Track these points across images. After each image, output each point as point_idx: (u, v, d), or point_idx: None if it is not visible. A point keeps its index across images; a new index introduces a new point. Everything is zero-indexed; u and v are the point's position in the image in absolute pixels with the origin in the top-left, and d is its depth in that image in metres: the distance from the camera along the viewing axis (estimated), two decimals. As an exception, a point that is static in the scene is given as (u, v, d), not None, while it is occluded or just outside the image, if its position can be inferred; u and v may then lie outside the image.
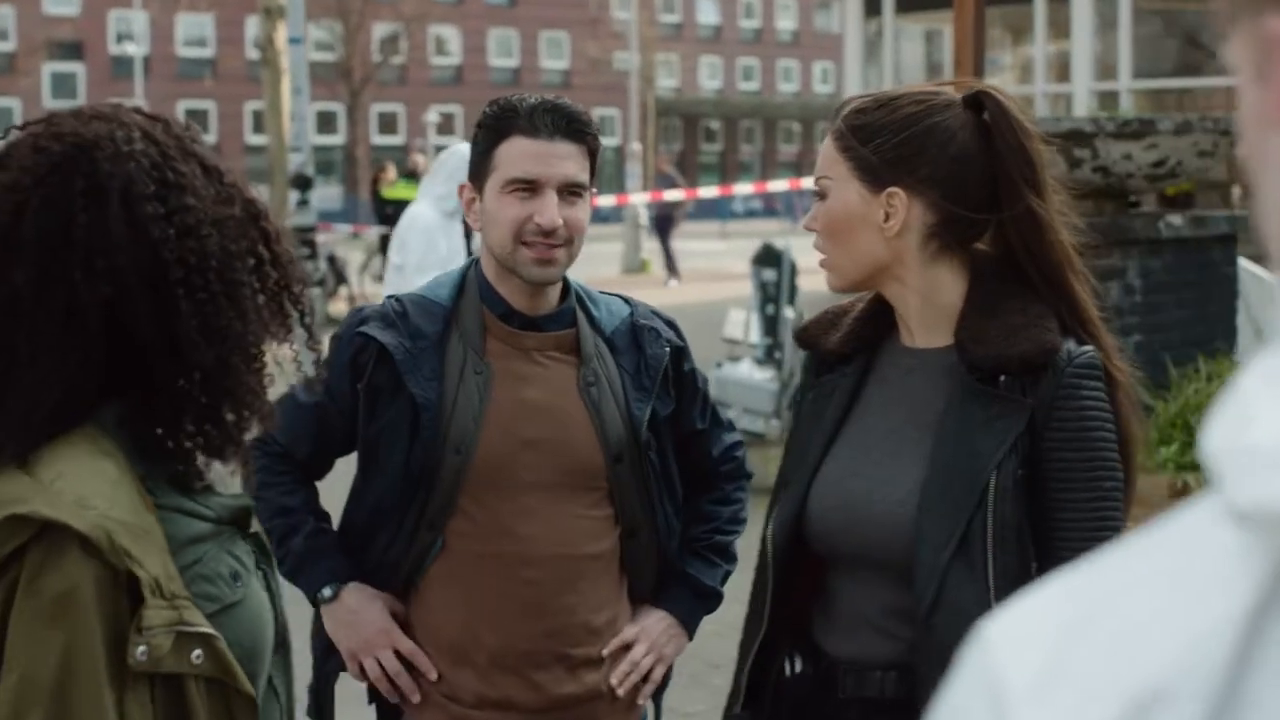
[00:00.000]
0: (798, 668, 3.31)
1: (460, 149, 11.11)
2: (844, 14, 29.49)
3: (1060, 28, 24.94)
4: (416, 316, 3.69)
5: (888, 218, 3.14)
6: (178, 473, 2.41)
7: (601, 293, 3.92)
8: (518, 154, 3.64)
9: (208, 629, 2.31)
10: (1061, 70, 25.12)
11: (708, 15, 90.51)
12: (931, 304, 3.19)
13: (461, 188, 3.78)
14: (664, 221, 33.88)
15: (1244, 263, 10.35)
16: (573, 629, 3.72)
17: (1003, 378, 3.08)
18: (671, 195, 32.41)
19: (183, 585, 2.30)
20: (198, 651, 2.29)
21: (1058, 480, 3.07)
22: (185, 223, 2.32)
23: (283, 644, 2.58)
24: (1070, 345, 3.09)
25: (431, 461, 3.61)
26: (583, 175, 3.70)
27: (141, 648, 2.22)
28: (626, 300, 3.94)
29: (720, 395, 13.39)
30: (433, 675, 3.70)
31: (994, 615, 0.96)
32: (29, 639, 2.18)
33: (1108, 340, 3.18)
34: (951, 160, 3.13)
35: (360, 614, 3.71)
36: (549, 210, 3.61)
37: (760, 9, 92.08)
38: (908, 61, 28.45)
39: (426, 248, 10.12)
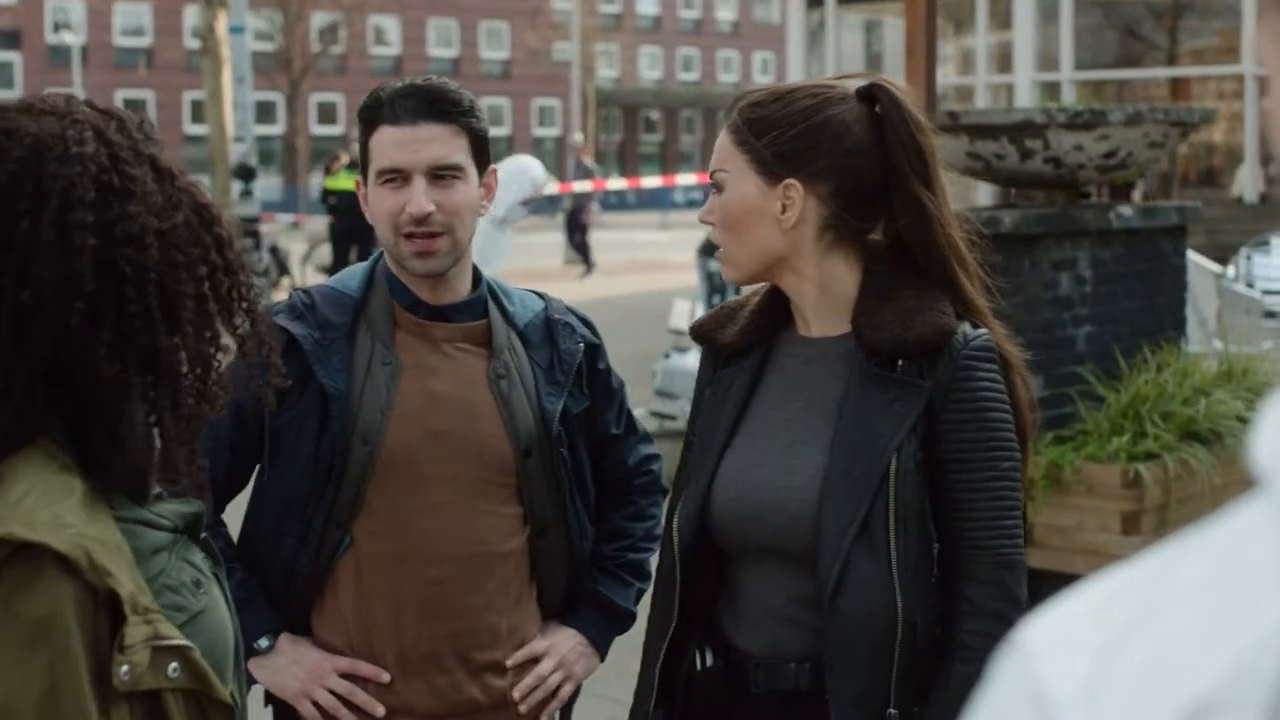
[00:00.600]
0: (708, 662, 3.30)
1: (518, 160, 11.16)
2: (785, 5, 29.54)
3: (1002, 19, 25.04)
4: (325, 308, 3.62)
5: (784, 210, 3.18)
6: (128, 483, 2.33)
7: (516, 288, 3.87)
8: (385, 143, 3.57)
9: (182, 641, 2.25)
10: (1003, 61, 25.23)
11: (647, 6, 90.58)
12: (828, 294, 3.23)
13: (358, 182, 3.70)
14: (578, 214, 33.25)
15: (1191, 254, 10.40)
16: (478, 631, 3.64)
17: (900, 362, 3.13)
18: (580, 186, 31.95)
19: (152, 598, 2.24)
20: (174, 664, 2.23)
21: (956, 461, 3.13)
22: (126, 231, 2.23)
23: (238, 652, 2.52)
24: (966, 328, 3.17)
25: (340, 453, 3.54)
26: (454, 156, 3.58)
27: (125, 667, 2.16)
28: (541, 295, 3.88)
29: (668, 386, 13.41)
30: (384, 678, 3.61)
31: (1032, 620, 0.94)
32: (10, 664, 2.11)
33: (998, 329, 3.25)
34: (846, 153, 3.18)
35: (298, 656, 3.61)
36: (417, 198, 3.54)
37: (700, 0, 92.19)
38: (849, 52, 28.53)
39: (479, 259, 10.09)
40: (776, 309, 3.33)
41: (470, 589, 3.61)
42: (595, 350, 3.86)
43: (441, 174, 3.56)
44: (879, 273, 3.21)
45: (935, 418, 3.12)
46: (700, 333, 3.43)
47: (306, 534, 3.55)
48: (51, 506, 2.17)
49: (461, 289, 3.69)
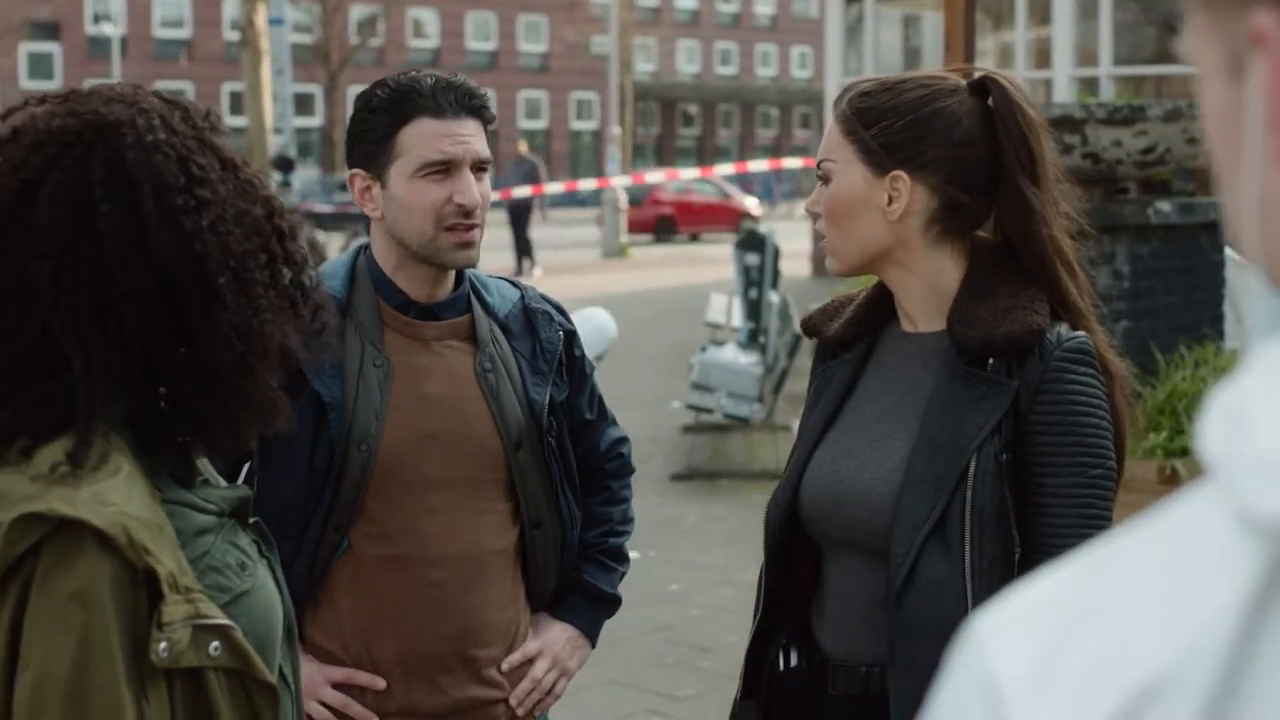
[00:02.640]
0: (793, 661, 3.30)
1: (581, 315, 11.13)
2: (824, -1, 29.48)
3: (1040, 14, 24.95)
4: None
5: (891, 201, 3.13)
6: (178, 467, 2.37)
7: (491, 277, 3.84)
8: (428, 135, 3.51)
9: (224, 620, 2.27)
10: (1042, 56, 25.14)
11: (685, 0, 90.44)
12: (932, 289, 3.18)
13: (354, 177, 3.61)
14: (520, 210, 31.48)
15: (1229, 251, 10.37)
16: (477, 630, 3.63)
17: (991, 360, 3.07)
18: (519, 191, 30.42)
19: (194, 578, 2.26)
20: (215, 643, 2.25)
21: (1041, 464, 3.03)
22: (209, 219, 2.28)
23: (290, 633, 2.55)
24: (1061, 329, 3.07)
25: (337, 460, 3.49)
26: (487, 152, 3.59)
27: (163, 644, 2.18)
28: (515, 284, 3.84)
29: (704, 379, 13.40)
30: (380, 685, 3.58)
31: (984, 610, 0.95)
32: (44, 638, 2.14)
33: (1099, 334, 3.15)
34: (956, 145, 3.12)
35: None
36: (470, 189, 3.51)
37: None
38: (887, 47, 28.47)
39: None
40: (882, 304, 3.30)
41: (469, 588, 3.60)
42: (571, 337, 3.82)
43: (481, 168, 3.55)
44: (980, 270, 3.15)
45: (1023, 418, 3.03)
46: (809, 327, 3.42)
47: (302, 541, 3.50)
48: (95, 484, 2.19)
49: (450, 285, 3.66)
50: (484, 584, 3.63)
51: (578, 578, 3.84)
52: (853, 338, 3.32)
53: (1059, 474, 3.03)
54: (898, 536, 3.03)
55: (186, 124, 2.36)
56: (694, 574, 9.65)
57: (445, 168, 3.51)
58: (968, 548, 3.00)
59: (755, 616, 3.34)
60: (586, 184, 39.42)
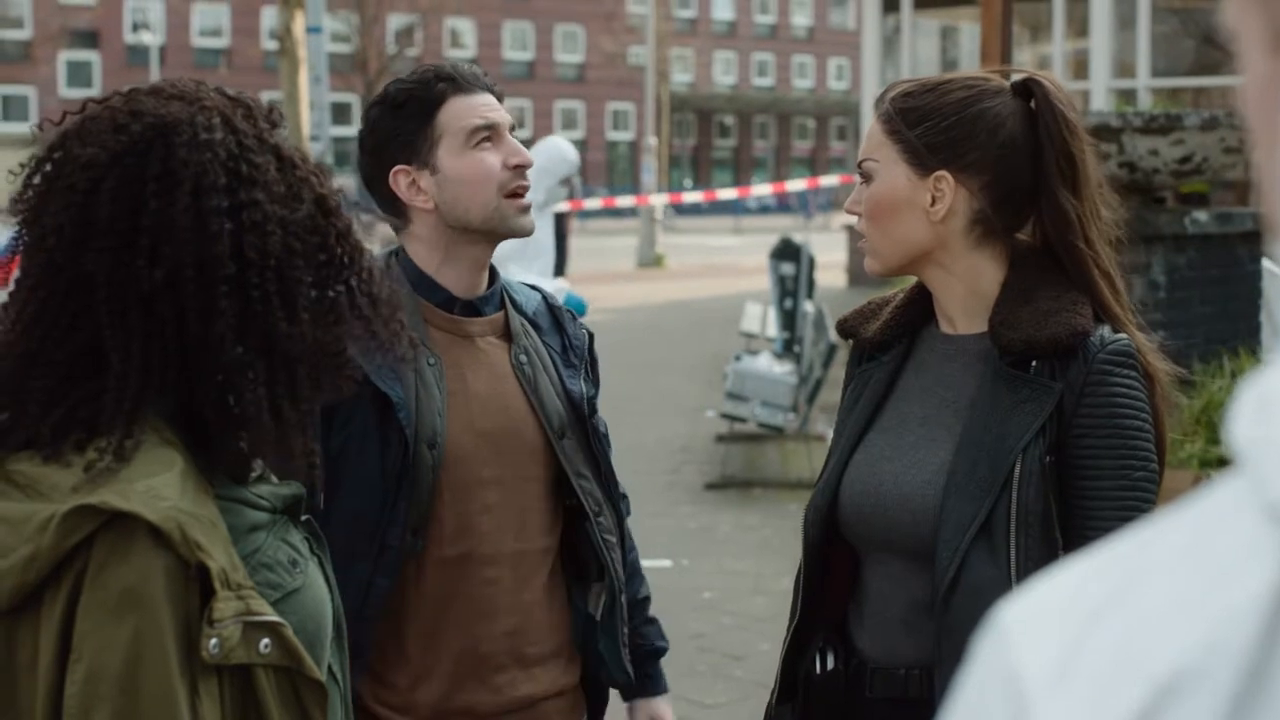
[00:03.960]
0: (829, 664, 3.28)
1: (551, 142, 11.09)
2: (860, 10, 29.47)
3: (1078, 26, 24.92)
4: None
5: (934, 202, 3.12)
6: (232, 463, 2.37)
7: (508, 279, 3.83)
8: (466, 109, 3.54)
9: (274, 617, 2.27)
10: (1079, 68, 25.10)
11: (723, 11, 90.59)
12: (973, 291, 3.17)
13: (398, 173, 3.57)
14: (560, 221, 32.16)
15: (1266, 261, 10.34)
16: (530, 628, 3.61)
17: (1034, 362, 3.05)
18: (559, 207, 30.61)
19: (246, 575, 2.26)
20: (265, 640, 2.25)
21: (1084, 467, 3.02)
22: (251, 219, 2.28)
23: (339, 630, 2.55)
24: (1104, 332, 3.06)
25: (409, 462, 3.45)
26: (511, 119, 3.65)
27: (214, 640, 2.18)
28: (534, 286, 3.86)
29: (738, 388, 13.41)
30: None
31: (1008, 601, 0.94)
32: (96, 632, 2.14)
33: (1141, 339, 3.12)
34: (999, 147, 3.11)
35: None
36: (519, 149, 3.56)
37: (775, 5, 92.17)
38: (924, 57, 28.44)
39: (521, 240, 10.14)
40: (920, 306, 3.29)
41: (521, 586, 3.59)
42: (593, 339, 3.84)
43: (514, 131, 3.61)
44: (1022, 272, 3.14)
45: (1066, 421, 3.02)
46: (845, 328, 3.40)
47: (382, 551, 3.46)
48: (149, 479, 2.20)
49: (487, 280, 3.66)
50: (535, 581, 3.62)
51: (644, 646, 3.84)
52: (891, 339, 3.30)
53: (1103, 476, 3.02)
54: (943, 539, 3.02)
55: (248, 122, 2.37)
56: (727, 582, 9.65)
57: (490, 132, 3.54)
58: (1013, 550, 2.99)
59: (792, 619, 3.33)
60: (624, 201, 39.49)
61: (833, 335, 10.42)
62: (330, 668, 2.48)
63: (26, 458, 2.26)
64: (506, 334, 3.64)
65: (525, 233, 3.63)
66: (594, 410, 3.71)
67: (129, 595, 2.14)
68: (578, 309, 10.40)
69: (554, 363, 3.68)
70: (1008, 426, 3.04)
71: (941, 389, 3.21)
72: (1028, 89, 3.17)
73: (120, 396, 2.25)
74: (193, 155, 2.28)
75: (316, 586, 2.45)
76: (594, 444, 3.67)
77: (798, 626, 3.31)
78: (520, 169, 3.55)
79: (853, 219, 3.31)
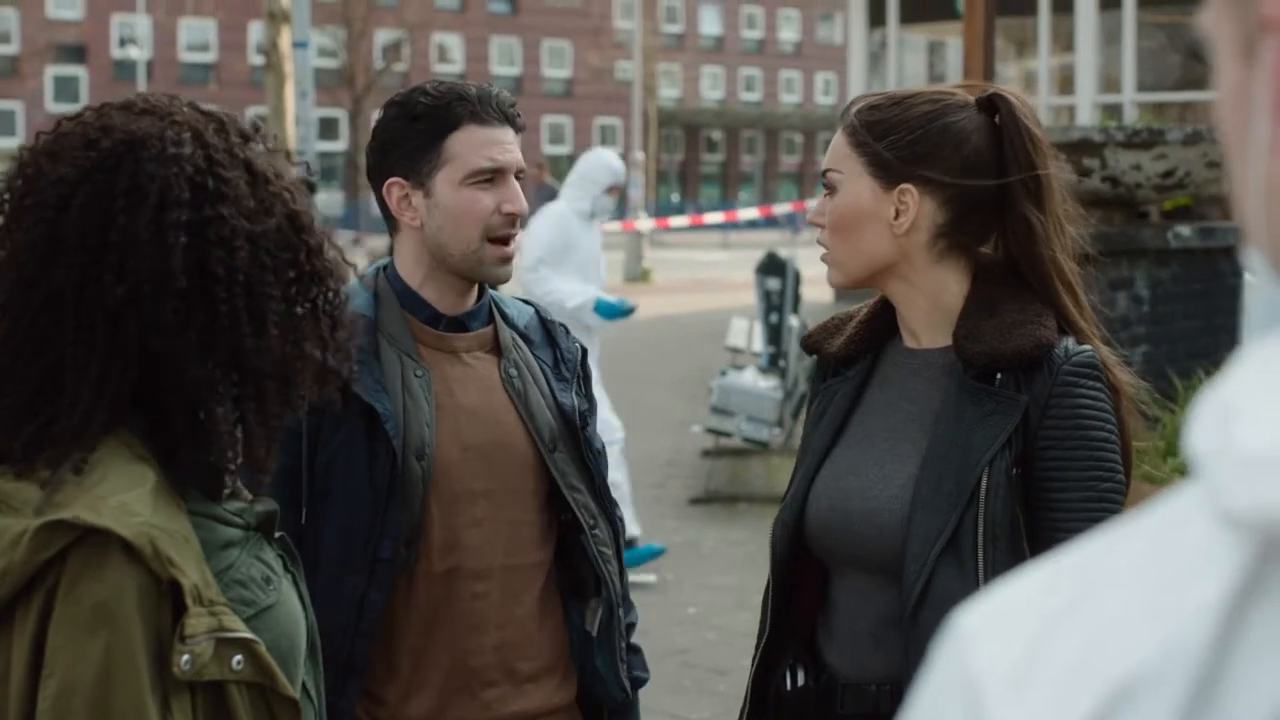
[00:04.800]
0: (800, 680, 3.27)
1: (595, 152, 11.10)
2: (847, 25, 29.51)
3: (1064, 41, 24.96)
4: None
5: (898, 215, 3.12)
6: (204, 479, 2.37)
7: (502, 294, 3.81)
8: (476, 143, 3.50)
9: (247, 634, 2.27)
10: (1065, 83, 25.15)
11: (710, 26, 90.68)
12: (936, 304, 3.17)
13: (392, 185, 3.56)
14: None
15: (1248, 275, 10.35)
16: (521, 642, 3.59)
17: (999, 375, 3.06)
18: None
19: (219, 591, 2.26)
20: (238, 657, 2.25)
21: (1051, 479, 3.03)
22: (218, 233, 2.28)
23: (313, 647, 2.54)
24: (1069, 343, 3.06)
25: (398, 474, 3.44)
26: (523, 161, 3.60)
27: (185, 657, 2.18)
28: (527, 301, 3.83)
29: (724, 403, 13.40)
30: None
31: (968, 606, 0.95)
32: (68, 647, 2.14)
33: (1106, 352, 3.13)
34: (964, 160, 3.11)
35: None
36: (517, 197, 3.52)
37: (763, 20, 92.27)
38: (911, 72, 28.47)
39: (564, 246, 10.19)
40: (884, 320, 3.29)
41: (512, 600, 3.58)
42: (585, 355, 3.81)
43: (519, 175, 3.56)
44: (985, 286, 3.14)
45: (1032, 433, 3.03)
46: (809, 344, 3.39)
47: (374, 565, 3.44)
48: (121, 494, 2.21)
49: (474, 296, 3.64)
50: (526, 596, 3.60)
51: (630, 675, 3.78)
52: (855, 354, 3.30)
53: (1070, 488, 3.03)
54: (911, 553, 3.02)
55: (220, 136, 2.37)
56: (711, 597, 9.65)
57: (493, 176, 3.50)
58: (981, 563, 3.00)
59: (761, 635, 3.31)
60: (610, 227, 39.59)
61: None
62: (305, 685, 2.46)
63: (1, 472, 2.26)
64: (496, 348, 3.63)
65: (501, 281, 3.61)
66: (586, 423, 3.68)
67: (101, 610, 2.14)
68: (616, 312, 10.38)
69: (545, 376, 3.66)
70: (973, 439, 3.04)
71: (907, 403, 3.21)
72: (993, 104, 3.17)
73: (73, 412, 2.25)
74: (159, 170, 2.27)
75: (290, 604, 2.44)
76: (587, 457, 3.65)
77: (767, 643, 3.29)
78: (512, 217, 3.52)
79: None
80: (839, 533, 3.17)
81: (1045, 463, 3.03)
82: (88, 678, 2.13)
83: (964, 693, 0.90)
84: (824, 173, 3.23)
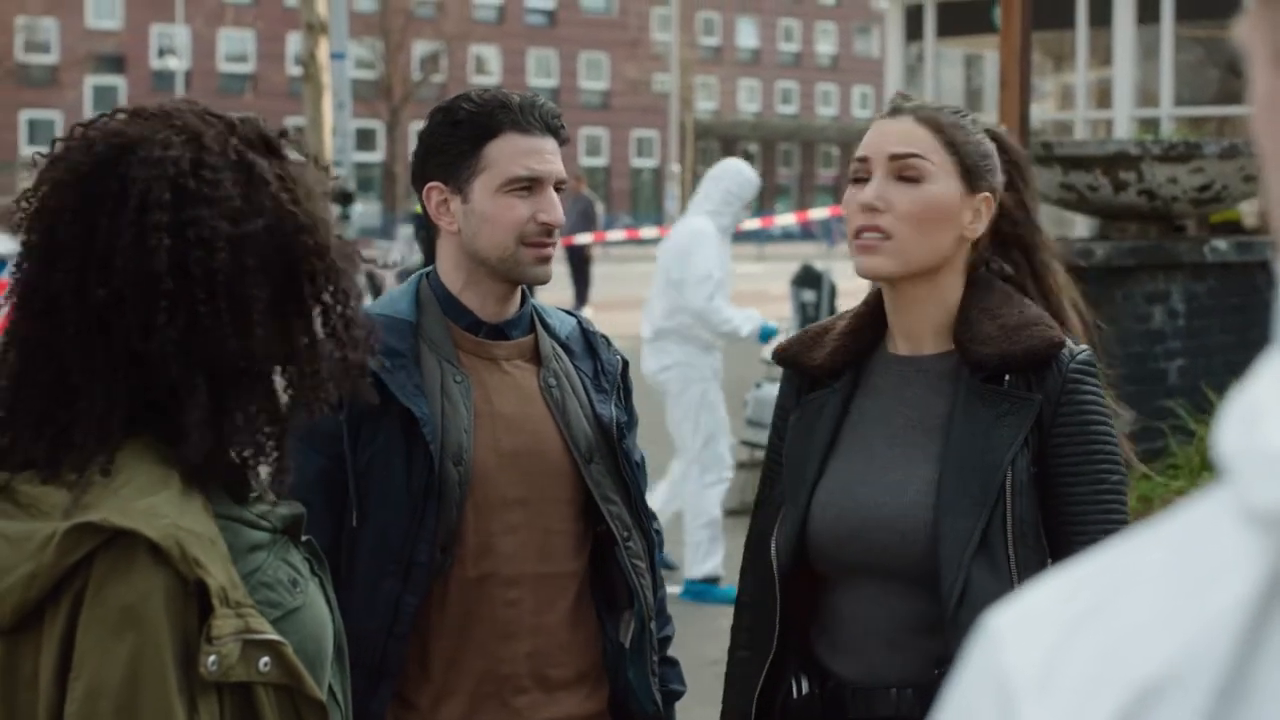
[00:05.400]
0: (803, 690, 3.27)
1: (733, 166, 10.97)
2: (884, 38, 29.46)
3: (1102, 55, 24.89)
4: (386, 336, 3.41)
5: (972, 220, 3.21)
6: (230, 482, 2.39)
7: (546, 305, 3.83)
8: (514, 152, 3.52)
9: (274, 636, 2.28)
10: (1103, 97, 25.08)
11: (747, 39, 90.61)
12: (944, 310, 3.24)
13: (431, 189, 3.59)
14: (580, 256, 30.31)
15: (1284, 286, 10.32)
16: (551, 650, 3.60)
17: (1007, 377, 3.14)
18: (581, 238, 29.24)
19: (246, 593, 2.27)
20: (265, 659, 2.26)
21: (1066, 474, 3.13)
22: (197, 235, 2.28)
23: (340, 651, 2.55)
24: (1070, 343, 3.19)
25: (435, 478, 3.46)
26: (564, 172, 3.62)
27: (212, 658, 2.19)
28: (570, 312, 3.85)
29: (759, 415, 13.38)
30: None
31: (1000, 607, 0.96)
32: (96, 649, 2.16)
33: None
34: (1000, 183, 3.27)
35: None
36: (554, 207, 3.54)
37: (800, 33, 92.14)
38: (948, 86, 28.42)
39: (715, 264, 10.08)
40: (869, 331, 3.32)
41: (546, 609, 3.58)
42: (628, 367, 3.82)
43: (559, 187, 3.58)
44: (978, 292, 3.23)
45: (1045, 431, 3.12)
46: (785, 357, 3.39)
47: (410, 568, 3.46)
48: (148, 496, 2.22)
49: (518, 303, 3.66)
50: (559, 605, 3.60)
51: (660, 687, 3.77)
52: (840, 366, 3.31)
53: (1083, 482, 3.13)
54: (945, 558, 3.05)
55: (219, 140, 2.37)
56: (745, 608, 9.61)
57: (530, 185, 3.52)
58: (1013, 562, 3.06)
59: (763, 652, 3.29)
60: (648, 233, 39.60)
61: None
62: (331, 689, 2.48)
63: (28, 477, 2.28)
64: (536, 357, 3.64)
65: (540, 281, 3.62)
66: (624, 435, 3.68)
67: (128, 613, 2.16)
68: (772, 334, 10.31)
69: (585, 387, 3.67)
70: (992, 441, 3.11)
71: (905, 410, 3.25)
72: (993, 136, 3.33)
73: (90, 415, 2.27)
74: (142, 172, 2.29)
75: (317, 607, 2.46)
76: (624, 469, 3.65)
77: (775, 657, 3.28)
78: (547, 226, 3.53)
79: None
80: (850, 542, 3.19)
81: (1060, 459, 3.13)
82: (115, 679, 2.15)
83: (996, 690, 0.91)
84: (906, 156, 3.22)
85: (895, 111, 3.27)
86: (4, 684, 2.24)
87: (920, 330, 3.25)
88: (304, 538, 2.52)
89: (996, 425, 3.11)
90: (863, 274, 3.24)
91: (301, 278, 2.36)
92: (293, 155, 2.49)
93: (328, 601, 2.52)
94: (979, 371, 3.15)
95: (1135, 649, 0.86)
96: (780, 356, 3.41)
